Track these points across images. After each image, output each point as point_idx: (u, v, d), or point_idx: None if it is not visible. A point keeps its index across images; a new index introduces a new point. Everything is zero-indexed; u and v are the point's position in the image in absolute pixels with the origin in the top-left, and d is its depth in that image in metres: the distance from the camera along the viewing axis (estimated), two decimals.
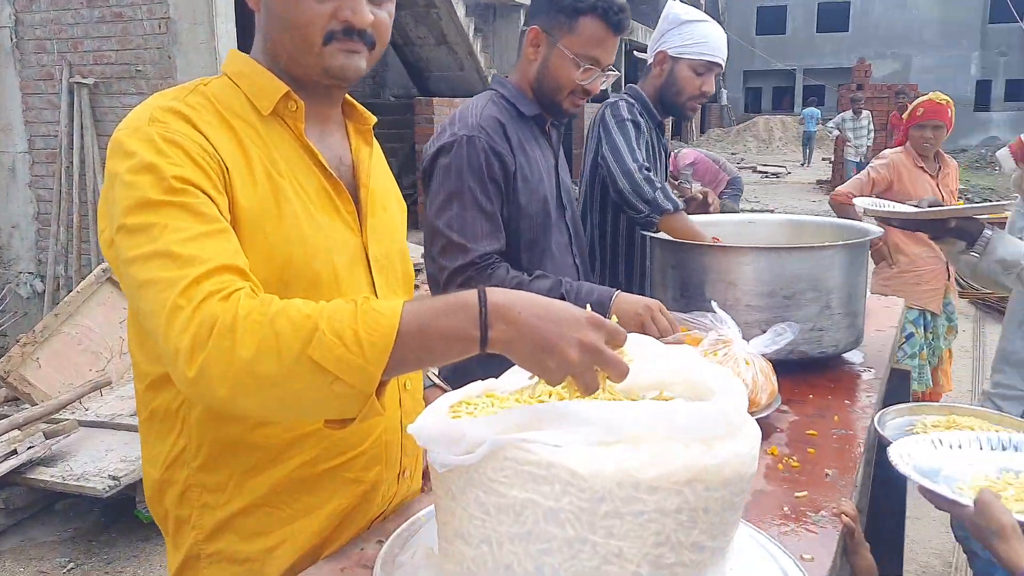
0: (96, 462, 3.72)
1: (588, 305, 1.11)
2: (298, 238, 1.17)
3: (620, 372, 1.00)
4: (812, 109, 22.64)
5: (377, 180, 1.36)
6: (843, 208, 4.19)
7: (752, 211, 10.65)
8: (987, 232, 2.06)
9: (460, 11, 10.83)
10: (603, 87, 2.13)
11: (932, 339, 4.19)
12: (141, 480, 3.55)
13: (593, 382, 0.98)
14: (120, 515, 3.92)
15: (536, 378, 1.07)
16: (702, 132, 29.47)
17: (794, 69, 33.66)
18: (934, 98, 4.05)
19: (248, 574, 1.22)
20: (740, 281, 1.98)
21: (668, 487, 0.93)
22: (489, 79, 11.53)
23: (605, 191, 2.55)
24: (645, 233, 2.28)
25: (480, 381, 1.17)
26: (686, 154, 7.23)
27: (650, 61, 2.68)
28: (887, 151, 4.27)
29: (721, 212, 2.83)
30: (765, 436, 1.70)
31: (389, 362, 0.97)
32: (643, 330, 1.84)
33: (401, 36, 11.32)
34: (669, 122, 22.39)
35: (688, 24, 2.56)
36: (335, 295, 1.17)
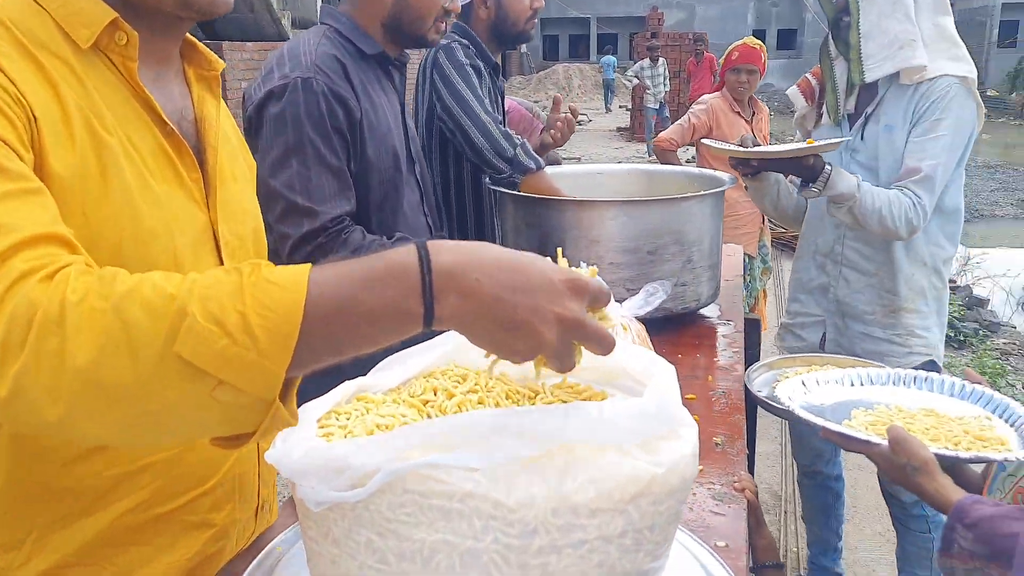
0: None
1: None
2: (130, 215, 0.89)
3: (606, 346, 0.78)
4: (609, 57, 23.24)
5: (225, 142, 1.08)
6: (666, 154, 4.20)
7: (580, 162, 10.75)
8: (828, 168, 2.09)
9: None
10: (462, 2, 1.92)
11: (749, 281, 4.31)
12: None
13: (570, 360, 0.77)
14: None
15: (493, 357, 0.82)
16: (504, 80, 29.58)
17: (588, 17, 34.37)
18: (748, 43, 4.11)
19: None
20: (603, 238, 1.85)
21: (611, 508, 0.75)
22: (283, 21, 10.84)
23: (445, 143, 2.34)
24: (495, 188, 2.09)
25: (350, 381, 0.95)
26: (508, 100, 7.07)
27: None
28: (706, 96, 4.32)
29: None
30: None
31: (295, 353, 0.67)
32: None
33: None
34: None
35: None
36: None
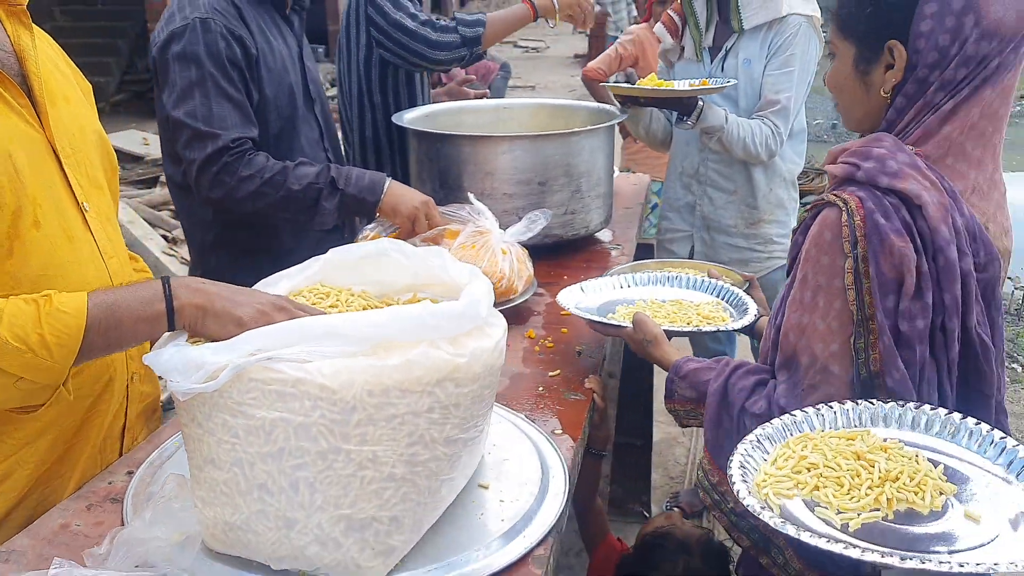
0: None
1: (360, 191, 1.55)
2: None
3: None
4: None
5: (49, 68, 1.21)
6: (593, 85, 4.33)
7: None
8: (700, 103, 2.31)
9: None
10: None
11: None
12: None
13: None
14: None
15: None
16: (462, 5, 29.07)
17: None
18: None
19: None
20: (497, 171, 2.00)
21: (419, 389, 0.94)
22: None
23: (387, 71, 2.46)
24: (399, 124, 2.21)
25: None
26: None
27: None
28: (633, 27, 4.42)
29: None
30: (522, 320, 1.77)
31: (77, 357, 1.04)
32: (415, 225, 1.82)
33: None
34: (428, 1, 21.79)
35: None
36: (26, 203, 1.09)
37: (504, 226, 1.81)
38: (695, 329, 1.55)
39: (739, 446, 1.03)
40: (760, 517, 0.90)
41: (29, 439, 1.14)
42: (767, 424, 1.08)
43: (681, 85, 2.42)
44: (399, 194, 1.86)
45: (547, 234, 2.05)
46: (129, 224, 5.30)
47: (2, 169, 1.06)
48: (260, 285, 1.16)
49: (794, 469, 1.02)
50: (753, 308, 1.58)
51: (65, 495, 1.17)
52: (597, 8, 15.57)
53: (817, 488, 0.99)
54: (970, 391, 1.12)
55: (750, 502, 0.92)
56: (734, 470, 0.98)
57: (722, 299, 1.67)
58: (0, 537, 1.10)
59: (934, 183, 1.11)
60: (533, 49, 20.82)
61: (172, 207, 5.77)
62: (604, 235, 2.30)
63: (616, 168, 2.97)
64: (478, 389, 1.00)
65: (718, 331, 1.55)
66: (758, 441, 1.05)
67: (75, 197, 1.18)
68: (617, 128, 4.44)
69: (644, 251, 2.53)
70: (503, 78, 7.64)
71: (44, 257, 1.12)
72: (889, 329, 1.07)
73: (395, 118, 2.20)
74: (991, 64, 1.14)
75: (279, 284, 1.18)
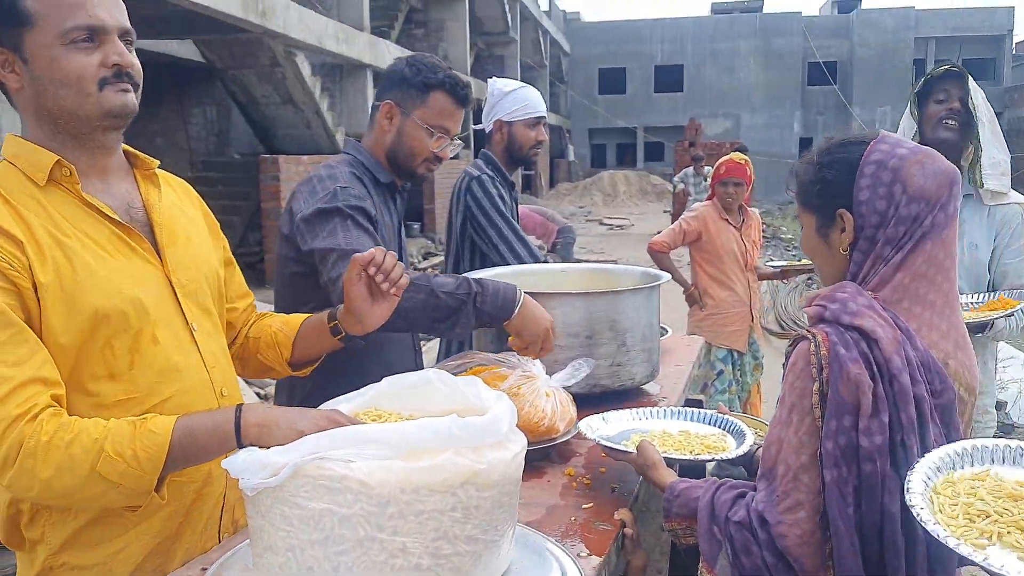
0: None
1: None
2: (94, 285, 1.32)
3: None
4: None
5: (174, 215, 1.51)
6: (659, 256, 4.59)
7: (578, 261, 11.18)
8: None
9: (306, 70, 10.95)
10: (452, 155, 2.33)
11: (740, 376, 4.62)
12: None
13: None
14: None
15: None
16: (551, 187, 30.54)
17: (635, 127, 35.51)
18: (735, 158, 4.53)
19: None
20: None
21: (444, 490, 1.11)
22: (337, 135, 11.66)
23: (474, 245, 2.98)
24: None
25: None
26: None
27: (489, 129, 3.15)
28: (697, 204, 4.73)
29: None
30: (565, 459, 1.92)
31: (163, 469, 1.26)
32: (537, 344, 1.97)
33: (245, 95, 11.30)
34: (519, 178, 23.13)
35: (511, 93, 3.10)
36: (146, 325, 1.36)
37: (553, 373, 1.99)
38: (694, 457, 1.68)
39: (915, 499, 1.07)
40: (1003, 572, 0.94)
41: (144, 517, 1.39)
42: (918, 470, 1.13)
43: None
44: (529, 314, 1.98)
45: (595, 384, 2.23)
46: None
47: (131, 305, 1.34)
48: (323, 406, 1.37)
49: (966, 516, 1.05)
50: (751, 439, 1.72)
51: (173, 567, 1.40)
52: (680, 187, 16.15)
53: (1001, 535, 1.01)
54: None
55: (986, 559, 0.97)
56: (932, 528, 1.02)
57: (727, 431, 1.82)
58: None
59: (888, 321, 1.30)
60: (618, 226, 21.57)
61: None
62: (652, 388, 2.45)
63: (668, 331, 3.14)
64: (497, 495, 1.16)
65: (714, 460, 1.68)
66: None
67: (186, 319, 1.45)
68: (685, 296, 4.69)
69: (690, 406, 2.65)
70: (565, 243, 8.05)
71: (159, 366, 1.39)
72: (844, 443, 1.25)
73: (469, 274, 2.46)
74: (925, 221, 1.35)
75: (339, 407, 1.38)
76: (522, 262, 2.85)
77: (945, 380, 1.32)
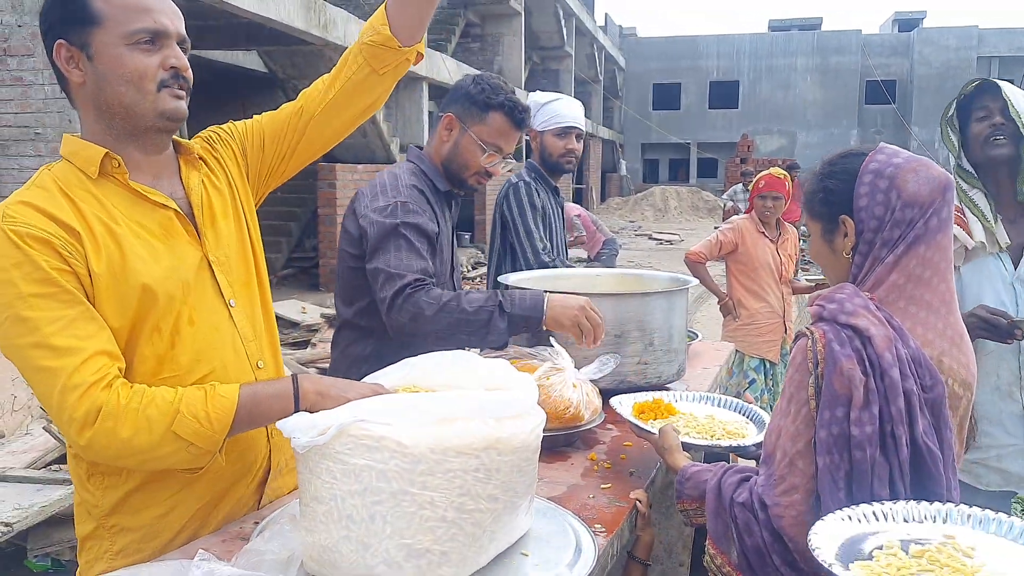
0: None
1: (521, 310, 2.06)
2: (145, 269, 1.45)
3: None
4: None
5: (211, 192, 1.63)
6: (695, 266, 4.70)
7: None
8: None
9: None
10: (503, 172, 2.49)
11: (772, 385, 4.69)
12: (32, 529, 3.65)
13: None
14: (10, 565, 3.97)
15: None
16: (603, 200, 30.63)
17: (688, 142, 35.43)
18: (774, 173, 4.63)
19: (143, 539, 1.52)
20: None
21: (469, 452, 1.26)
22: (392, 145, 11.95)
23: (514, 253, 3.20)
24: (503, 283, 2.64)
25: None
26: (572, 207, 8.07)
27: (527, 139, 3.37)
28: (734, 217, 4.83)
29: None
30: (589, 445, 2.06)
31: (230, 430, 1.41)
32: (579, 327, 2.13)
33: None
34: (570, 190, 23.28)
35: (545, 105, 3.30)
36: (185, 307, 1.50)
37: (581, 367, 2.13)
38: (713, 443, 1.81)
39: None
40: None
41: (187, 483, 1.53)
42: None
43: (998, 292, 2.28)
44: (558, 305, 2.14)
45: (622, 380, 2.36)
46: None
47: (176, 287, 1.48)
48: (366, 379, 1.53)
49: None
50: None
51: (210, 530, 1.54)
52: (728, 204, 16.13)
53: None
54: (927, 493, 1.34)
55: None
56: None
57: (749, 419, 1.94)
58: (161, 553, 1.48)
59: (881, 320, 1.41)
60: (667, 242, 21.54)
61: (318, 365, 6.45)
62: (677, 387, 2.56)
63: (699, 336, 3.25)
64: (515, 460, 1.31)
65: (731, 447, 1.80)
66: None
67: (223, 296, 1.58)
68: (719, 307, 4.79)
69: None
70: (611, 254, 8.27)
71: (196, 345, 1.52)
72: (837, 432, 1.35)
73: (502, 278, 2.62)
74: (917, 224, 1.47)
75: (380, 380, 1.54)
76: (540, 260, 3.10)
77: (935, 376, 1.42)
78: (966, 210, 2.36)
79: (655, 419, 2.01)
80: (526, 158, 3.55)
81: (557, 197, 3.41)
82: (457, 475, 1.25)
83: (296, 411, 1.43)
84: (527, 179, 3.26)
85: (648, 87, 36.61)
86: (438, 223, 2.35)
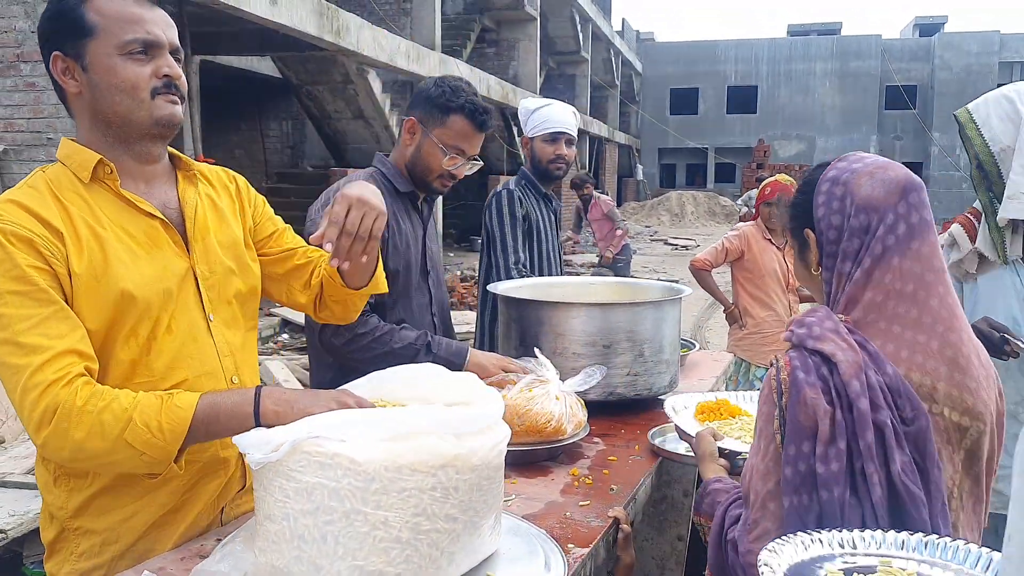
0: None
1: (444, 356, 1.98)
2: (126, 274, 1.45)
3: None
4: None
5: (205, 209, 1.63)
6: (700, 273, 4.64)
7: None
8: None
9: (376, 87, 11.26)
10: (468, 173, 2.45)
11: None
12: (29, 535, 3.64)
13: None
14: (6, 572, 3.96)
15: None
16: (619, 205, 30.48)
17: (706, 148, 35.27)
18: (780, 179, 4.55)
19: (104, 542, 1.50)
20: (568, 332, 2.30)
21: (425, 470, 1.21)
22: None
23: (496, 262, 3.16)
24: (492, 291, 2.59)
25: None
26: (606, 199, 8.31)
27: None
28: (740, 224, 4.76)
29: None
30: (572, 460, 2.01)
31: (184, 442, 1.37)
32: (496, 375, 2.15)
33: (319, 110, 11.68)
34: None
35: (535, 111, 3.26)
36: (164, 314, 1.49)
37: (566, 379, 2.08)
38: (742, 450, 1.70)
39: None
40: None
41: (151, 488, 1.51)
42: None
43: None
44: (479, 361, 2.23)
45: (611, 391, 2.31)
46: (284, 382, 5.96)
47: (156, 295, 1.48)
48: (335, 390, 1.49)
49: None
50: None
51: (168, 546, 1.50)
52: (743, 210, 16.06)
53: None
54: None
55: None
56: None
57: None
58: (114, 568, 1.45)
59: (851, 345, 1.28)
60: (683, 247, 21.43)
61: None
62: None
63: (697, 345, 3.19)
64: (475, 479, 1.26)
65: None
66: None
67: (204, 309, 1.57)
68: (725, 315, 4.72)
69: None
70: (626, 261, 8.34)
71: (172, 353, 1.51)
72: (804, 470, 1.25)
73: (491, 287, 2.57)
74: (878, 232, 1.33)
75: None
76: (510, 275, 3.05)
77: (917, 406, 1.27)
78: (982, 216, 2.30)
79: (712, 420, 1.96)
80: (520, 166, 3.50)
81: (550, 204, 3.36)
82: (412, 494, 1.21)
83: (257, 425, 1.39)
84: (511, 188, 3.21)
85: (665, 91, 36.48)
86: (398, 224, 2.34)
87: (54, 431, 1.32)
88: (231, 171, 1.80)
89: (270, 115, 15.15)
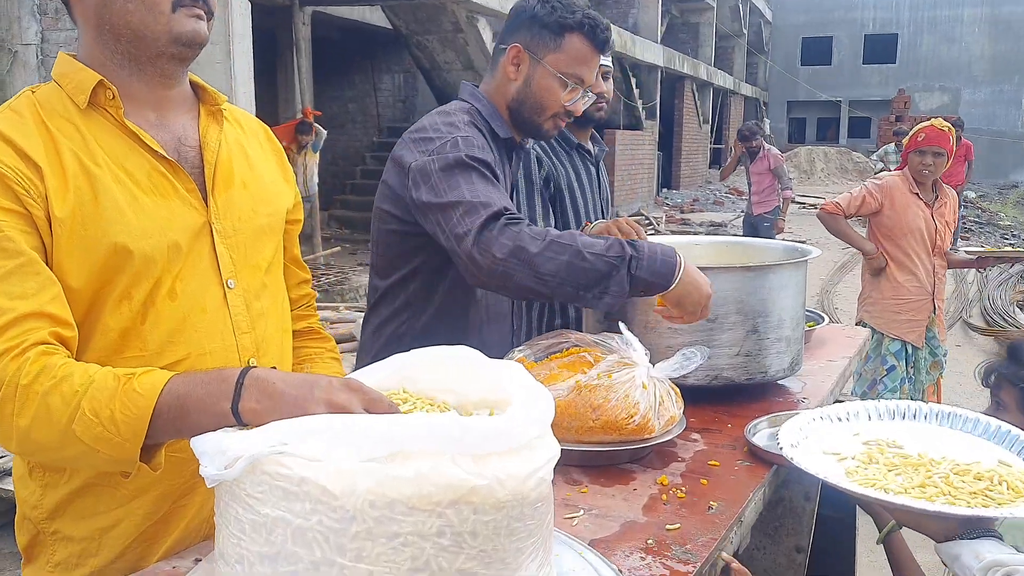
0: None
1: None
2: (120, 224, 1.16)
3: (381, 408, 1.00)
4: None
5: (233, 155, 1.34)
6: (830, 218, 4.08)
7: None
8: None
9: (487, 36, 10.90)
10: (584, 108, 2.02)
11: (914, 374, 4.01)
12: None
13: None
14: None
15: None
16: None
17: (839, 100, 33.25)
18: (936, 124, 3.90)
19: (83, 554, 1.25)
20: None
21: (427, 508, 0.85)
22: None
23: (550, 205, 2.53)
24: None
25: None
26: (780, 154, 7.99)
27: None
28: (884, 173, 4.14)
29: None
30: (662, 464, 1.61)
31: (147, 437, 1.05)
32: (696, 316, 1.70)
33: (429, 61, 11.43)
34: (707, 151, 22.11)
35: None
36: (167, 276, 1.21)
37: (656, 361, 1.68)
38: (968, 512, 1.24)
39: None
40: None
41: (138, 492, 1.24)
42: None
43: None
44: (690, 282, 1.67)
45: (716, 376, 1.89)
46: None
47: (157, 250, 1.19)
48: (349, 376, 1.15)
49: None
50: None
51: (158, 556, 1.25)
52: (879, 166, 15.08)
53: None
54: None
55: None
56: None
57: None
58: None
59: None
60: (811, 206, 20.28)
61: None
62: (792, 384, 2.07)
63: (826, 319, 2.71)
64: (503, 519, 0.89)
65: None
66: None
67: (220, 274, 1.28)
68: (868, 263, 4.07)
69: None
70: (772, 223, 8.04)
71: (173, 325, 1.22)
72: None
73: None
74: None
75: (364, 377, 1.15)
76: None
77: None
78: None
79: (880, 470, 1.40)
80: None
81: (588, 156, 2.64)
82: (408, 542, 0.85)
83: (238, 425, 1.04)
84: (527, 147, 2.44)
85: (796, 41, 34.50)
86: (500, 175, 1.92)
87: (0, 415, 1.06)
88: (267, 129, 1.51)
89: (382, 68, 14.98)
